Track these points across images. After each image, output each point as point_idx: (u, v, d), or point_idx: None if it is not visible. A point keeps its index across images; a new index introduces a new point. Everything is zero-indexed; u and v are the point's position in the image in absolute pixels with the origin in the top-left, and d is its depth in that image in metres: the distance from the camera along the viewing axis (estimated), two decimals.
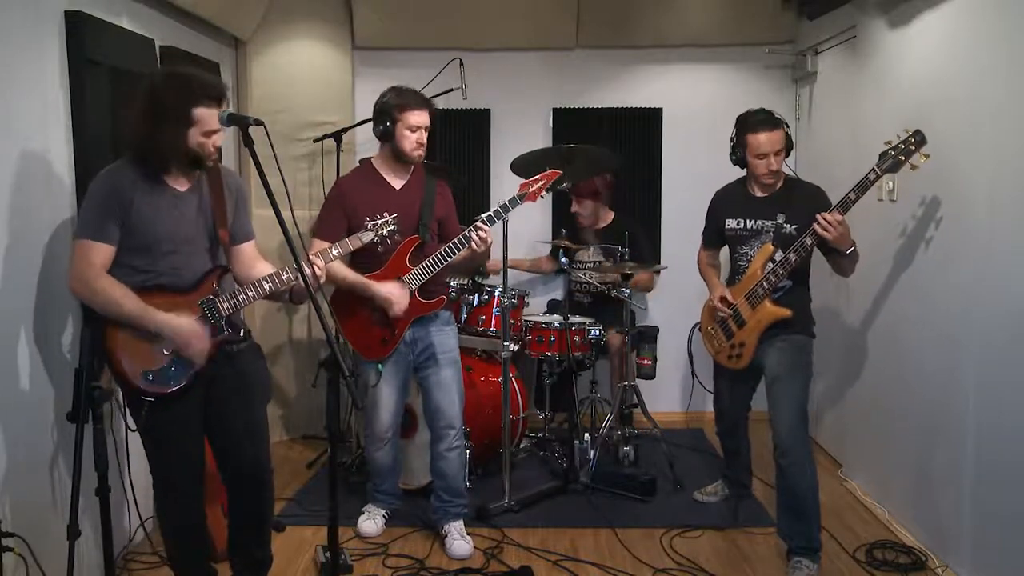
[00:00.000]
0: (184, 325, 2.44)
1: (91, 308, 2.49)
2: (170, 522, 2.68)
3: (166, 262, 2.48)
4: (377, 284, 3.23)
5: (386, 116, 3.22)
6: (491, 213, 3.25)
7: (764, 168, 3.23)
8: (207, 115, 2.39)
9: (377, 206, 3.17)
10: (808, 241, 3.08)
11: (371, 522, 3.48)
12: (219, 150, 2.50)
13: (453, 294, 4.06)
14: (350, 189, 3.33)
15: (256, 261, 2.74)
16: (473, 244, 3.19)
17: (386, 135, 3.24)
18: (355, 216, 3.21)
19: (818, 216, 3.02)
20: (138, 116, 2.42)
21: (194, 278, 2.52)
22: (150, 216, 2.44)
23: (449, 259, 3.24)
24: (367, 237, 2.83)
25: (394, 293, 3.21)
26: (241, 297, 2.54)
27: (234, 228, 2.67)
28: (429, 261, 3.24)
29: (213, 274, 2.54)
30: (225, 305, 2.53)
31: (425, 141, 3.27)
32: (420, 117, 3.21)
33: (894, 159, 2.98)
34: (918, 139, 2.95)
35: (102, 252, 2.42)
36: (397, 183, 3.34)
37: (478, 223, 3.19)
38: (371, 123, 3.33)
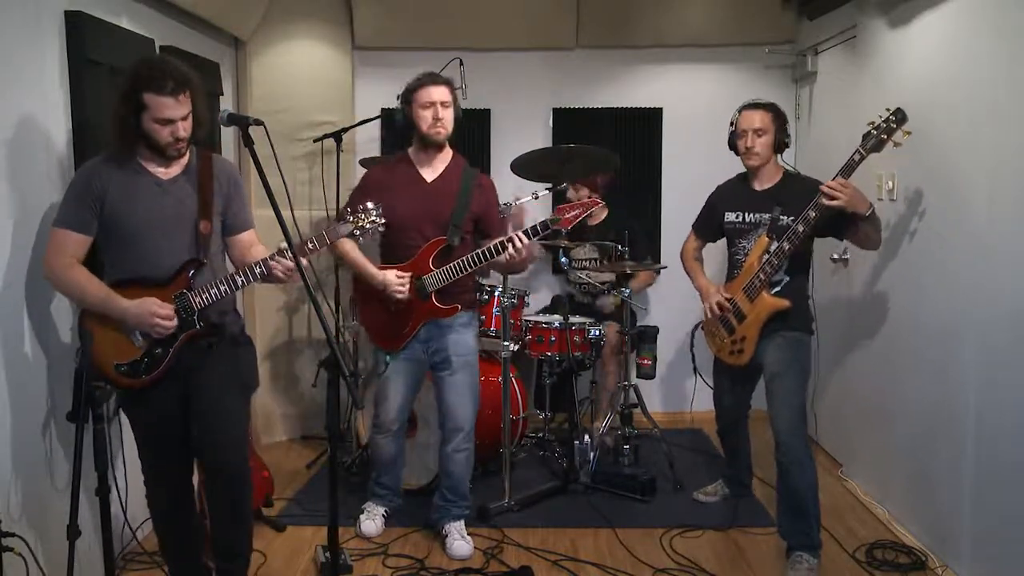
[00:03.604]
0: (140, 306, 2.43)
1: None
2: (157, 510, 2.71)
3: (143, 252, 2.49)
4: (373, 269, 3.21)
5: (403, 103, 3.18)
6: (527, 229, 3.08)
7: (742, 146, 3.26)
8: (156, 102, 2.37)
9: (404, 199, 3.13)
10: (800, 228, 3.07)
11: (371, 522, 3.47)
12: (188, 143, 2.48)
13: (486, 297, 4.00)
14: (377, 181, 3.25)
15: (251, 248, 2.73)
16: (507, 256, 3.05)
17: (406, 120, 3.19)
18: (385, 206, 2.97)
19: (823, 186, 3.01)
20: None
21: (172, 270, 2.52)
22: (124, 205, 2.46)
23: (473, 267, 3.13)
24: (344, 230, 2.66)
25: (389, 279, 3.15)
26: (213, 292, 2.54)
27: (229, 219, 2.68)
28: (452, 266, 3.15)
29: (187, 268, 2.54)
30: (198, 300, 2.52)
31: (443, 117, 3.14)
32: (431, 92, 3.11)
33: (876, 138, 2.99)
34: (899, 117, 2.96)
35: (74, 241, 2.44)
36: (429, 175, 3.25)
37: (514, 236, 3.05)
38: (382, 122, 3.26)
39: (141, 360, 2.50)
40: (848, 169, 3.01)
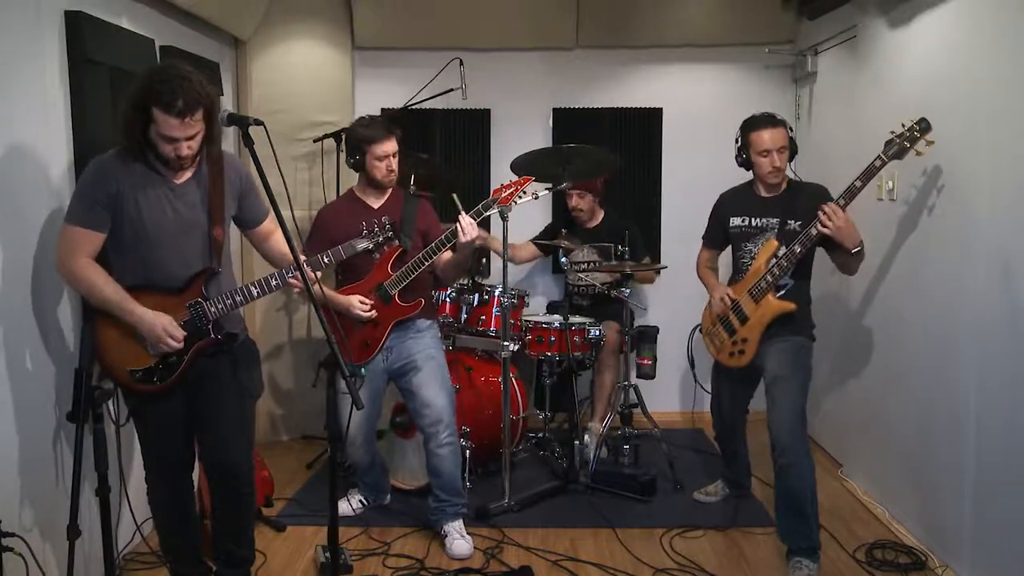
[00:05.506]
0: (156, 318, 2.43)
1: (89, 306, 2.51)
2: (159, 509, 2.72)
3: (155, 257, 2.48)
4: (338, 296, 3.35)
5: (355, 149, 3.39)
6: (472, 213, 3.33)
7: (768, 166, 3.26)
8: (163, 119, 2.31)
9: (356, 224, 3.26)
10: (813, 232, 3.10)
11: (345, 503, 3.65)
12: (194, 158, 2.46)
13: (486, 297, 4.10)
14: (329, 215, 3.49)
15: (269, 238, 2.78)
16: (460, 233, 3.24)
17: (358, 166, 3.41)
18: (339, 236, 3.21)
19: (822, 206, 3.05)
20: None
21: (185, 277, 2.52)
22: (138, 208, 2.44)
23: (429, 260, 3.32)
24: (361, 245, 2.87)
25: (353, 303, 3.30)
26: (228, 302, 2.55)
27: (245, 213, 2.71)
28: (410, 265, 3.33)
29: (201, 276, 2.54)
30: (212, 309, 2.53)
31: (395, 167, 3.41)
32: (385, 147, 3.35)
33: (899, 146, 3.01)
34: (923, 126, 2.99)
35: (86, 238, 2.42)
36: (376, 203, 3.46)
37: (460, 220, 3.27)
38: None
39: (156, 367, 2.51)
40: (867, 175, 3.03)
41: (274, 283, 2.59)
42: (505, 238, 3.61)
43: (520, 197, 3.39)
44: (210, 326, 2.53)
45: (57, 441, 2.70)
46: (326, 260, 2.78)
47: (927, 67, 3.34)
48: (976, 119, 2.95)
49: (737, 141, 3.38)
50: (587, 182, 4.44)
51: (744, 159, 3.37)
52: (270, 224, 2.78)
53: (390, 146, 3.36)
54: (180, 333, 2.47)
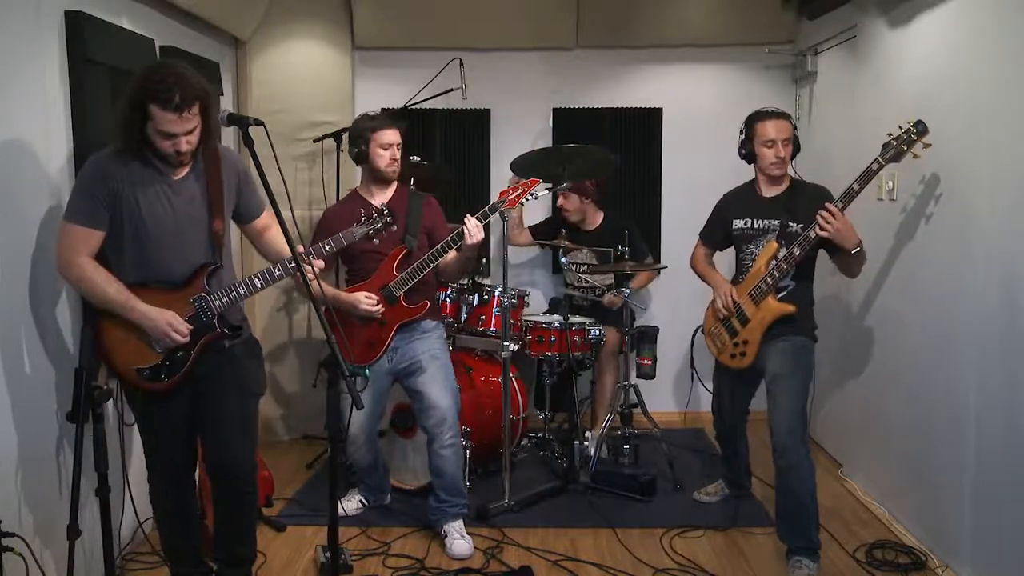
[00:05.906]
0: (161, 315, 2.44)
1: (90, 306, 2.51)
2: (161, 509, 2.73)
3: (156, 254, 2.48)
4: (343, 293, 3.37)
5: (360, 139, 3.39)
6: (477, 215, 3.32)
7: (772, 156, 3.27)
8: (160, 115, 2.32)
9: (360, 219, 3.24)
10: (812, 234, 3.10)
11: (348, 502, 3.66)
12: (192, 154, 2.46)
13: (486, 297, 4.09)
14: (332, 215, 3.48)
15: (265, 232, 2.78)
16: (467, 236, 3.24)
17: (361, 156, 3.40)
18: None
19: (821, 210, 3.05)
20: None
21: (186, 273, 2.52)
22: (137, 207, 2.44)
23: (435, 262, 3.33)
24: (360, 231, 2.85)
25: (358, 298, 3.31)
26: (233, 294, 2.55)
27: (243, 207, 2.71)
28: (415, 266, 3.33)
29: (203, 271, 2.54)
30: (217, 303, 2.53)
31: (398, 157, 3.42)
32: (391, 135, 3.38)
33: (896, 149, 3.01)
34: (919, 129, 2.98)
35: (86, 236, 2.42)
36: (378, 201, 3.43)
37: (466, 221, 3.26)
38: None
39: (163, 364, 2.51)
40: (865, 178, 3.03)
41: (277, 273, 2.59)
42: (504, 237, 3.61)
43: (526, 200, 3.40)
44: (215, 320, 2.54)
45: (57, 441, 2.70)
46: (327, 248, 2.76)
47: (927, 67, 3.34)
48: (976, 119, 2.95)
49: (741, 134, 3.39)
50: (579, 185, 4.43)
51: (747, 152, 3.37)
52: (266, 218, 2.78)
53: (394, 135, 3.38)
54: (185, 327, 2.47)
